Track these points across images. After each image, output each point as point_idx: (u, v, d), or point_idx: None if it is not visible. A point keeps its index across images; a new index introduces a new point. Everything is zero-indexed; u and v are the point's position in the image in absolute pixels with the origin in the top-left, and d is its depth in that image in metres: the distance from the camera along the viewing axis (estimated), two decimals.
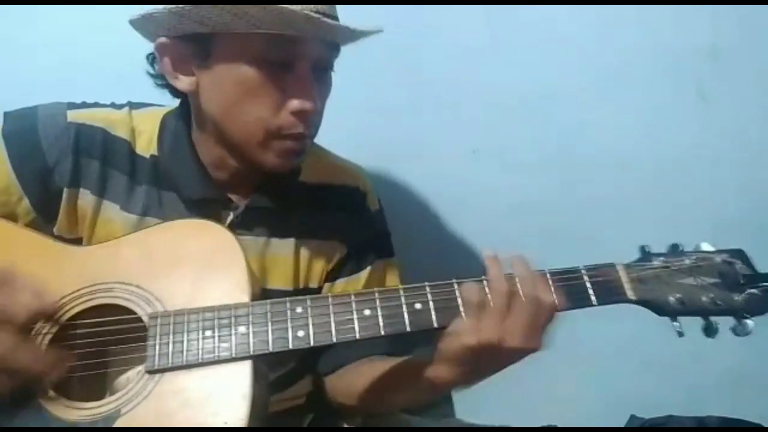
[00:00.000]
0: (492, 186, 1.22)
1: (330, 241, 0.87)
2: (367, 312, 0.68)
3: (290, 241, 0.85)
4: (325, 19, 0.67)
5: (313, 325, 0.68)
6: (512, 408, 1.23)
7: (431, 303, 0.68)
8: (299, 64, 0.71)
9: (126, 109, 0.84)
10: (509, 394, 1.22)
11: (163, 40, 0.73)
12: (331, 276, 0.88)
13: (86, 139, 0.80)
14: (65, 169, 0.79)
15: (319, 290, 0.88)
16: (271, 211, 0.84)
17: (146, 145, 0.82)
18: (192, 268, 0.72)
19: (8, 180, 0.79)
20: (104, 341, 0.70)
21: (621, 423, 1.20)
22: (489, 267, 0.67)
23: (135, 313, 0.71)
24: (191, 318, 0.69)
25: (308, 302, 0.69)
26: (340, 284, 0.88)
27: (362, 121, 1.14)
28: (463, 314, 0.67)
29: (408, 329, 0.67)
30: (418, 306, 0.68)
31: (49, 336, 0.70)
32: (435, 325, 0.67)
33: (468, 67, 1.19)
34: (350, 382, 0.85)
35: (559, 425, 1.18)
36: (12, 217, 0.80)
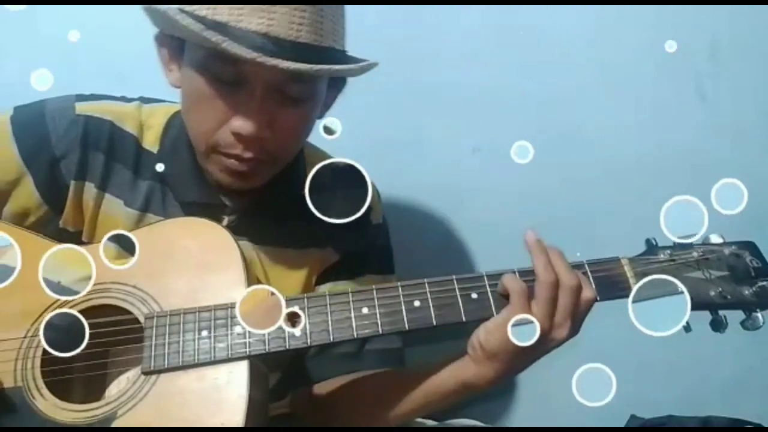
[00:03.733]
0: (493, 184, 1.21)
1: (326, 249, 0.86)
2: (365, 310, 0.67)
3: (287, 251, 0.83)
4: (263, 59, 0.62)
5: (310, 323, 0.67)
6: (512, 408, 1.22)
7: (430, 301, 0.67)
8: (250, 85, 0.67)
9: (136, 102, 0.83)
10: (509, 394, 1.22)
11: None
12: (320, 281, 0.87)
13: (94, 131, 0.79)
14: (72, 162, 0.78)
15: None
16: (270, 219, 0.82)
17: (153, 141, 0.81)
18: (188, 267, 0.71)
19: (20, 172, 0.78)
20: (102, 342, 0.69)
21: (621, 423, 1.20)
22: (534, 255, 0.66)
23: (132, 314, 0.70)
24: (187, 318, 0.68)
25: (305, 301, 0.68)
26: (333, 289, 0.83)
27: (363, 119, 1.13)
28: (493, 309, 0.66)
29: (407, 327, 0.66)
30: (417, 303, 0.67)
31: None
32: (434, 323, 0.66)
33: (469, 66, 1.18)
34: (351, 392, 0.82)
35: (560, 425, 1.16)
36: (24, 211, 0.80)
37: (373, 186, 0.90)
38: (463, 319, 0.67)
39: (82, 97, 0.81)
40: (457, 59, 1.18)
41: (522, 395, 1.22)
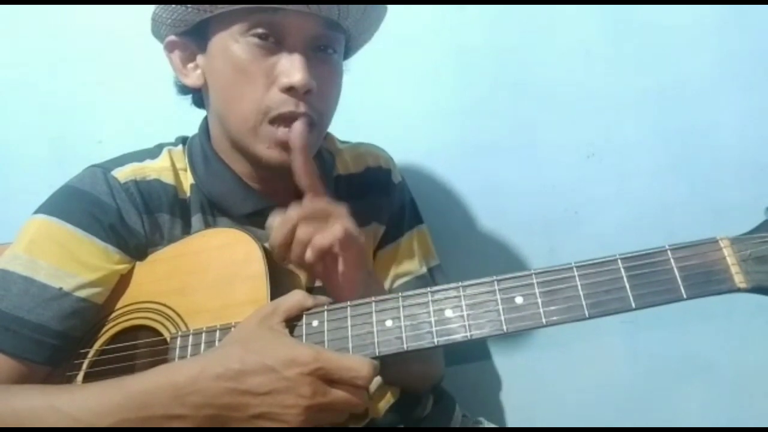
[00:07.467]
0: (610, 194, 1.05)
1: (371, 225, 0.86)
2: (389, 323, 0.56)
3: None
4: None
5: (329, 341, 0.57)
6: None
7: (465, 308, 0.54)
8: (290, 40, 0.68)
9: (165, 152, 0.79)
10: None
11: (170, 37, 0.72)
12: (375, 253, 0.87)
13: (149, 194, 0.74)
14: (145, 227, 0.73)
15: None
16: None
17: (186, 181, 0.78)
18: (215, 282, 0.67)
19: (99, 247, 0.70)
20: (132, 365, 0.67)
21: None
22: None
23: (162, 334, 0.67)
24: (208, 337, 0.64)
25: (325, 315, 0.59)
26: (380, 256, 0.87)
27: (472, 120, 1.07)
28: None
29: (436, 342, 0.54)
30: (449, 313, 0.54)
31: (88, 361, 0.69)
32: (468, 335, 0.53)
33: (579, 68, 1.07)
34: None
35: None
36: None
37: (383, 150, 0.92)
38: (504, 329, 0.52)
39: (111, 165, 0.75)
40: (571, 57, 1.07)
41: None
